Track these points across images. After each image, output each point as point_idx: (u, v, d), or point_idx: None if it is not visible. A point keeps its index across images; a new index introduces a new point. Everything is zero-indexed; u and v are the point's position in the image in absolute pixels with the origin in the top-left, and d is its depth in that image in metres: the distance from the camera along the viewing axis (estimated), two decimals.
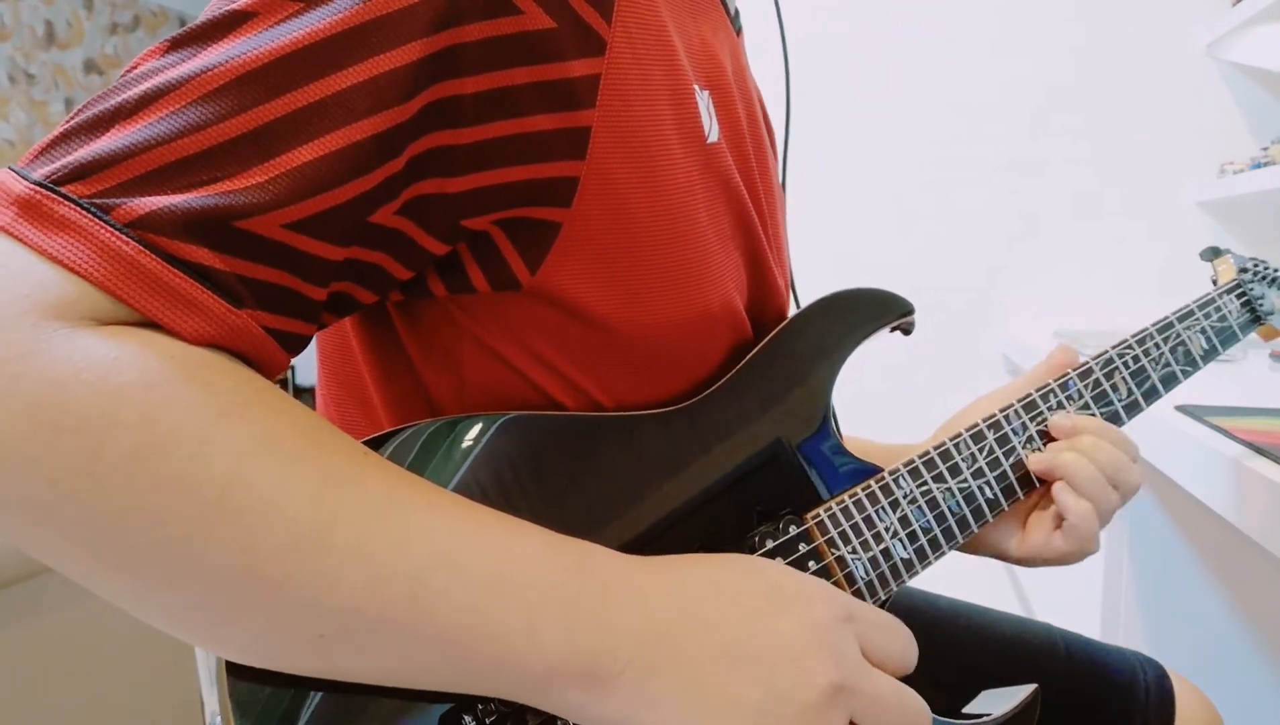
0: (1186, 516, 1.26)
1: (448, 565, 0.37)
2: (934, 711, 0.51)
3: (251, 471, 0.35)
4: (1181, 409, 0.92)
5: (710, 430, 0.50)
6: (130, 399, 0.33)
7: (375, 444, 0.43)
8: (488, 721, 0.42)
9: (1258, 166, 1.53)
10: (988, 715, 0.52)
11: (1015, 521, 0.62)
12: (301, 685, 0.39)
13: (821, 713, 0.40)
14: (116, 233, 0.34)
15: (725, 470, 0.50)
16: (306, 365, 4.40)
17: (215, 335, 0.36)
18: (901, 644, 0.44)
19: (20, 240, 0.34)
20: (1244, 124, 1.69)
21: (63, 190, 0.35)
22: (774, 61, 0.72)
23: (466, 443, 0.45)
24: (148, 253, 0.35)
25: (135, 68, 0.38)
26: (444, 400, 0.49)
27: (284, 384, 3.90)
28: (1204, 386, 1.06)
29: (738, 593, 0.42)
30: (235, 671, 0.39)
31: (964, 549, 0.62)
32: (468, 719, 0.41)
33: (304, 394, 4.17)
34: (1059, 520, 0.59)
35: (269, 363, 0.39)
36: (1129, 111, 1.72)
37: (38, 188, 0.35)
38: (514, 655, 0.38)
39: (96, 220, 0.34)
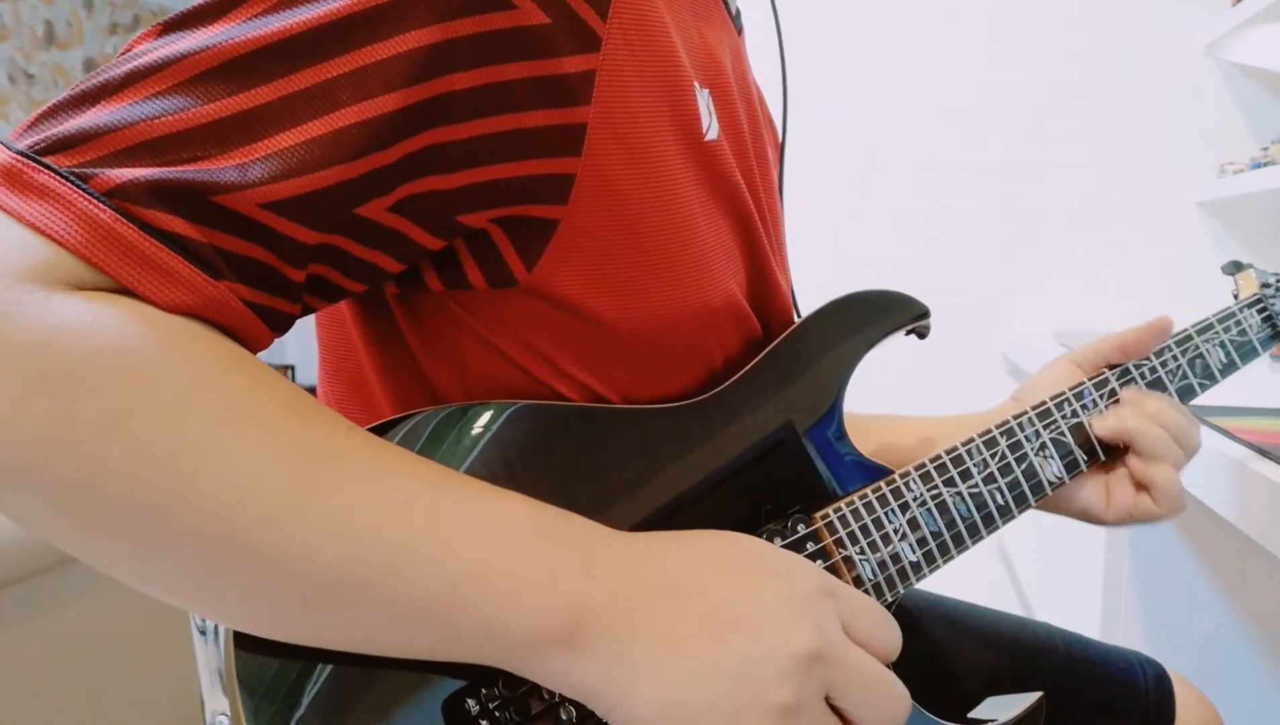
0: (1187, 516, 1.26)
1: (430, 538, 0.37)
2: (934, 713, 0.51)
3: (227, 441, 0.35)
4: None
5: (720, 426, 0.51)
6: (104, 363, 0.33)
7: (384, 429, 0.44)
8: (491, 706, 0.42)
9: (1258, 166, 1.53)
10: (993, 721, 0.52)
11: (1099, 483, 0.63)
12: (307, 665, 0.40)
13: (798, 680, 0.40)
14: (93, 200, 0.34)
15: (735, 466, 0.50)
16: (306, 364, 4.40)
17: (192, 304, 0.36)
18: (885, 629, 0.44)
19: (0, 207, 0.34)
20: (1244, 124, 1.69)
21: (44, 160, 0.35)
22: (775, 65, 0.72)
23: (476, 430, 0.45)
24: (124, 221, 0.35)
25: (130, 49, 0.39)
26: (447, 394, 0.49)
27: None
28: None
29: (717, 563, 0.42)
30: (243, 645, 0.39)
31: (1049, 509, 0.63)
32: (471, 703, 0.42)
33: None
34: (1139, 483, 0.61)
35: (250, 337, 0.39)
36: (1129, 112, 1.73)
37: (19, 157, 0.35)
38: (497, 623, 0.38)
39: (74, 188, 0.34)
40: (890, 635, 0.44)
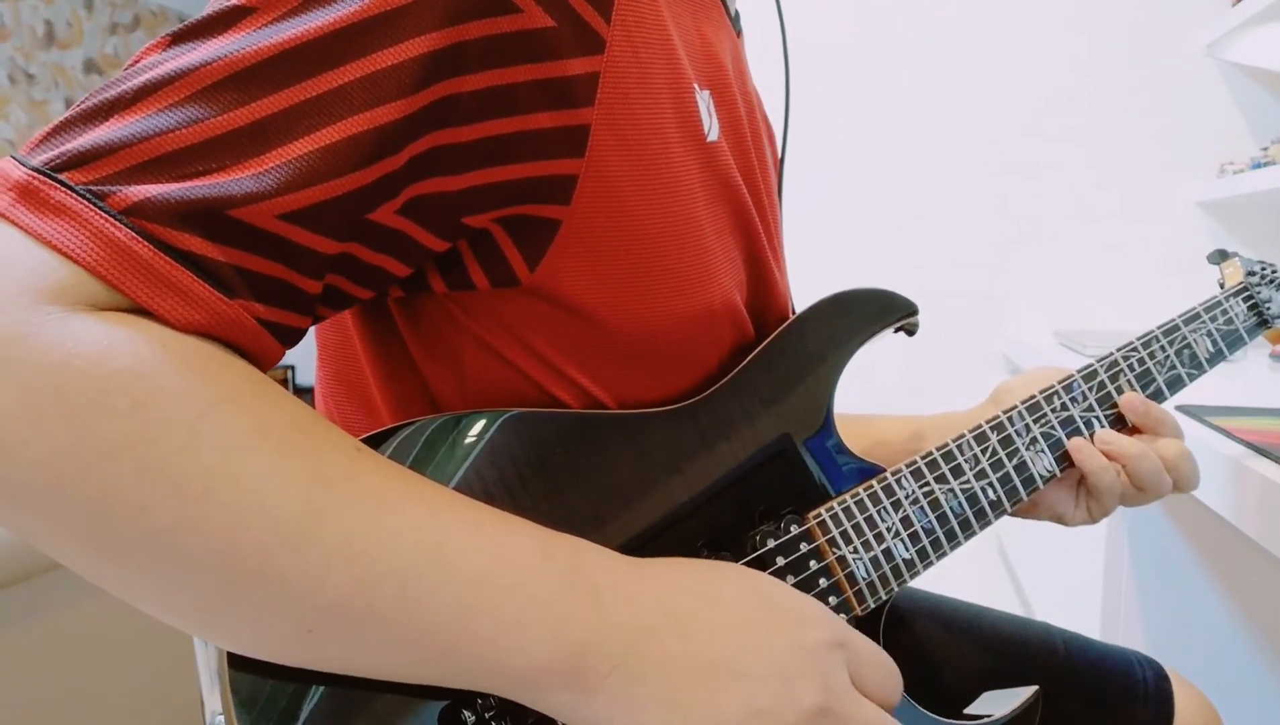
0: (1186, 516, 1.26)
1: (438, 565, 0.37)
2: (934, 712, 0.51)
3: (239, 466, 0.35)
4: (1182, 409, 0.92)
5: (712, 428, 0.51)
6: (121, 386, 0.33)
7: (378, 440, 0.43)
8: (487, 716, 0.42)
9: (1258, 166, 1.53)
10: (989, 716, 0.52)
11: (1070, 488, 0.64)
12: (303, 680, 0.39)
13: None
14: (110, 219, 0.34)
15: (727, 468, 0.50)
16: (306, 365, 4.40)
17: (206, 324, 0.36)
18: (889, 678, 0.44)
19: (16, 225, 0.34)
20: (1244, 124, 1.69)
21: (60, 177, 0.35)
22: (775, 66, 0.72)
23: (469, 439, 0.45)
24: (140, 240, 0.35)
25: (138, 61, 0.38)
26: (446, 398, 0.49)
27: (284, 384, 3.89)
28: (1204, 386, 1.05)
29: (730, 605, 0.42)
30: (237, 664, 0.39)
31: (1021, 515, 0.64)
32: (467, 714, 0.41)
33: (304, 394, 4.17)
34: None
35: (263, 354, 0.39)
36: (1129, 112, 1.73)
37: (35, 174, 0.35)
38: (503, 655, 0.38)
39: (91, 206, 0.34)
40: (895, 686, 0.45)
